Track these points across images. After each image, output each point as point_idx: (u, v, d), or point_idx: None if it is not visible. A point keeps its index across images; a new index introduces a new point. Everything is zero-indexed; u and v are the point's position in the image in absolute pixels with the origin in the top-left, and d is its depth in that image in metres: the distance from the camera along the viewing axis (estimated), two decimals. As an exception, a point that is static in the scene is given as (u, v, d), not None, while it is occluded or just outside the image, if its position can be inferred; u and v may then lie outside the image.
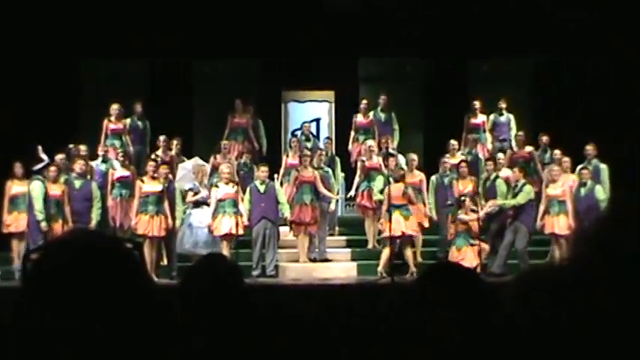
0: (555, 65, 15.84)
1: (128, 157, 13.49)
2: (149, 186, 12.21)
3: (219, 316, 2.66)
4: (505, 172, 13.39)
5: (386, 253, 12.34)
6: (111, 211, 12.70)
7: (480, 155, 14.36)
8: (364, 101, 15.31)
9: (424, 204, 13.02)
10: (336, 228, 14.10)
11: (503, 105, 15.17)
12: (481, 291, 1.92)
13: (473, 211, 12.39)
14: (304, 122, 15.49)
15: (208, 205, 12.49)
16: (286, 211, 12.63)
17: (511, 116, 15.19)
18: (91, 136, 14.18)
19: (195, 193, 12.71)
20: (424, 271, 2.63)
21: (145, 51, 15.46)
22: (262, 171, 12.77)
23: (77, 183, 12.49)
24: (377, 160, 13.67)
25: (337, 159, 14.35)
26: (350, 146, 15.10)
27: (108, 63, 15.94)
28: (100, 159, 13.62)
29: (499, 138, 15.09)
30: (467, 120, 15.07)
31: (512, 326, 1.27)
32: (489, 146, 14.95)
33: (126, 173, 12.96)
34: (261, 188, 12.59)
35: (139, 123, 14.81)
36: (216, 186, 12.56)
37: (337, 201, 14.02)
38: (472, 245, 12.17)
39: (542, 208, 12.67)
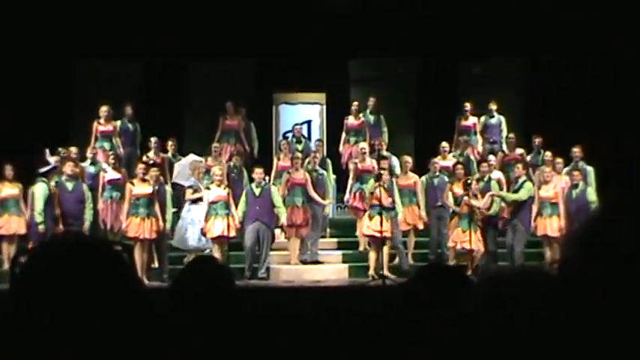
0: (555, 65, 15.85)
1: (119, 160, 13.46)
2: (139, 188, 12.18)
3: (211, 319, 2.66)
4: (496, 174, 13.42)
5: (373, 255, 12.37)
6: (101, 214, 12.66)
7: (471, 157, 14.38)
8: (355, 103, 15.32)
9: (418, 206, 13.02)
10: (328, 230, 14.10)
11: (493, 107, 15.21)
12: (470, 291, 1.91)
13: (475, 196, 12.50)
14: (295, 124, 15.49)
15: None
16: (282, 216, 12.60)
17: (502, 118, 15.23)
18: (83, 137, 14.15)
19: (195, 190, 12.70)
20: (416, 273, 2.63)
21: (137, 52, 15.42)
22: (257, 173, 12.75)
23: (69, 185, 12.45)
24: (369, 162, 13.67)
25: (328, 161, 14.35)
26: (341, 148, 15.11)
27: (100, 64, 15.91)
28: (88, 161, 13.57)
29: (490, 140, 15.12)
30: (458, 122, 15.10)
31: (508, 327, 1.27)
32: (480, 148, 14.97)
33: (117, 176, 12.93)
34: (257, 191, 12.56)
35: (130, 125, 14.78)
36: (208, 188, 12.55)
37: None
38: (475, 231, 12.25)
39: (534, 209, 12.69)
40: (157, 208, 12.12)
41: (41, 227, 11.87)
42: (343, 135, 15.16)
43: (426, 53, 16.06)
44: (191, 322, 2.64)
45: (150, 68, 16.40)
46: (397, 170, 13.62)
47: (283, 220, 12.61)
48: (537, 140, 14.42)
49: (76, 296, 1.35)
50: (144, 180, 12.23)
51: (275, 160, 14.21)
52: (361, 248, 13.34)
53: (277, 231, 13.08)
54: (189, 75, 16.83)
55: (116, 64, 15.97)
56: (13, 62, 14.46)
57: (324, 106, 16.43)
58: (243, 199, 12.54)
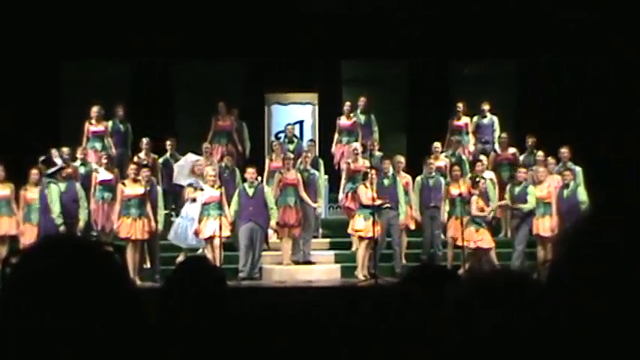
0: (555, 65, 15.87)
1: (111, 160, 13.44)
2: (131, 189, 12.16)
3: (202, 319, 2.65)
4: (488, 174, 13.45)
5: (362, 255, 12.43)
6: (93, 215, 12.63)
7: (463, 157, 14.40)
8: (347, 103, 15.32)
9: (410, 206, 13.03)
10: (320, 230, 14.10)
11: (486, 107, 15.23)
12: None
13: (484, 194, 12.64)
14: (287, 124, 15.48)
15: None
16: (274, 218, 12.60)
17: (495, 118, 15.25)
18: (72, 138, 14.11)
19: (195, 189, 12.71)
20: (407, 273, 2.63)
21: (128, 52, 15.40)
22: (250, 173, 12.74)
23: (62, 186, 12.41)
24: (362, 162, 13.67)
25: (321, 161, 14.35)
26: (333, 148, 15.11)
27: (89, 65, 15.88)
28: (79, 162, 13.54)
29: (482, 140, 15.15)
30: (450, 122, 15.11)
31: (508, 327, 1.27)
32: (472, 148, 14.99)
33: (109, 176, 12.91)
34: (250, 191, 12.56)
35: (121, 126, 14.76)
36: (201, 189, 12.55)
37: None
38: (488, 228, 12.43)
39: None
40: (148, 208, 12.10)
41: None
42: (335, 135, 15.17)
43: (420, 53, 16.04)
44: (183, 322, 2.64)
45: (139, 69, 16.36)
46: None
47: (273, 222, 12.61)
48: (530, 140, 14.45)
49: (67, 297, 1.34)
50: (136, 180, 12.22)
51: (267, 161, 14.20)
52: (354, 248, 13.35)
53: (270, 231, 13.08)
54: (181, 75, 16.80)
55: (106, 65, 15.95)
56: (1, 64, 14.41)
57: (317, 107, 16.43)
58: (235, 198, 12.53)
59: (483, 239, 12.39)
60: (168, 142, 14.24)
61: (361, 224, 12.47)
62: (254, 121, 15.91)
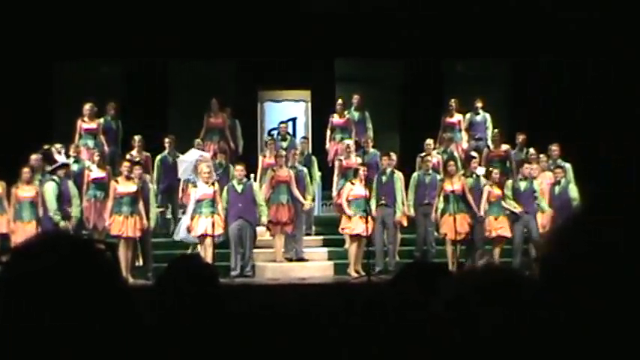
0: (555, 65, 15.89)
1: (103, 157, 13.41)
2: (123, 186, 12.15)
3: (195, 316, 2.65)
4: (480, 171, 13.46)
5: (353, 252, 12.47)
6: (85, 212, 12.60)
7: (455, 154, 14.41)
8: (339, 101, 15.32)
9: (402, 203, 13.04)
10: (313, 227, 14.10)
11: (479, 104, 15.25)
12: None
13: (497, 184, 12.76)
14: (281, 122, 15.48)
15: None
16: (264, 215, 12.61)
17: (487, 115, 15.27)
18: (65, 136, 14.08)
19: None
20: (401, 270, 2.63)
21: (120, 51, 15.36)
22: (238, 170, 12.75)
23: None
24: (355, 159, 13.68)
25: (314, 158, 14.35)
26: (327, 145, 15.11)
27: (81, 64, 15.85)
28: (72, 159, 13.50)
29: (475, 137, 15.16)
30: (443, 119, 15.13)
31: (508, 327, 1.27)
32: (465, 145, 15.01)
33: (101, 174, 12.88)
34: (239, 188, 12.57)
35: (112, 123, 14.74)
36: (195, 186, 12.55)
37: (314, 200, 14.06)
38: (505, 215, 12.51)
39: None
40: (140, 206, 12.09)
41: (62, 224, 11.79)
42: (328, 132, 15.16)
43: (419, 53, 16.04)
44: (175, 320, 2.63)
45: (133, 67, 16.33)
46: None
47: (264, 219, 12.61)
48: (521, 137, 14.49)
49: (59, 295, 1.34)
50: (129, 178, 12.20)
51: (260, 158, 14.21)
52: (347, 245, 13.37)
53: (262, 229, 13.08)
54: (174, 74, 16.78)
55: (99, 64, 15.93)
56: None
57: (309, 104, 16.43)
58: (224, 195, 12.53)
59: (503, 227, 12.47)
60: (166, 140, 14.21)
61: (348, 222, 12.48)
62: (247, 118, 15.90)
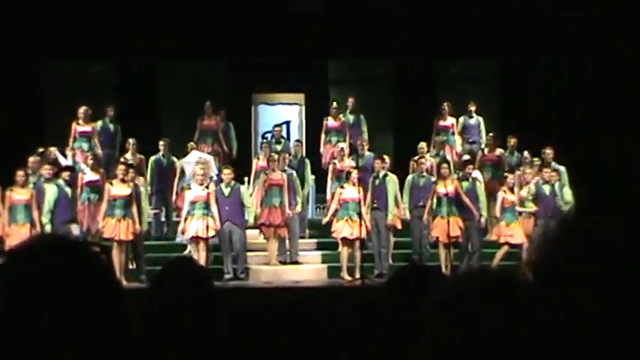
0: (555, 65, 15.92)
1: (97, 160, 13.39)
2: (118, 189, 12.13)
3: (189, 320, 2.65)
4: (475, 174, 13.47)
5: (346, 255, 12.49)
6: (78, 215, 12.58)
7: (448, 157, 14.42)
8: (334, 104, 15.32)
9: (397, 206, 13.04)
10: (307, 231, 14.10)
11: (472, 108, 15.26)
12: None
13: (511, 189, 12.75)
14: (275, 125, 15.47)
15: None
16: (251, 216, 12.62)
17: (480, 119, 15.29)
18: (56, 138, 14.06)
19: (188, 187, 12.72)
20: (395, 273, 2.64)
21: (112, 51, 15.34)
22: (225, 173, 12.76)
23: (47, 187, 12.34)
24: (348, 162, 13.69)
25: (307, 161, 14.35)
26: (322, 149, 15.11)
27: (71, 64, 15.83)
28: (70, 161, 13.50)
29: (469, 140, 15.18)
30: (436, 122, 15.13)
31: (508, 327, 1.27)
32: (458, 148, 15.02)
33: (95, 177, 12.86)
34: (226, 191, 12.57)
35: (111, 126, 14.72)
36: (189, 188, 12.56)
37: (308, 203, 14.07)
38: (518, 223, 12.56)
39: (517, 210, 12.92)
40: (134, 209, 12.07)
41: (48, 228, 11.82)
42: (322, 136, 15.17)
43: (417, 54, 16.02)
44: (169, 324, 2.63)
45: (124, 68, 16.30)
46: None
47: (251, 220, 12.62)
48: (512, 141, 14.51)
49: (55, 297, 1.34)
50: (123, 181, 12.19)
51: (255, 161, 14.21)
52: (340, 249, 13.36)
53: (256, 232, 13.08)
54: (167, 76, 16.76)
55: (89, 64, 15.91)
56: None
57: (303, 107, 16.44)
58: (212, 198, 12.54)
59: (514, 235, 12.45)
60: (161, 142, 14.20)
61: (336, 225, 12.51)
62: (241, 121, 15.90)
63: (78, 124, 14.19)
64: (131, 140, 14.03)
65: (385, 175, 13.01)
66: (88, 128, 14.24)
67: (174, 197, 13.81)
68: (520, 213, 12.78)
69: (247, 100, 16.45)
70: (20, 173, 12.22)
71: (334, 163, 13.96)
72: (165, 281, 2.79)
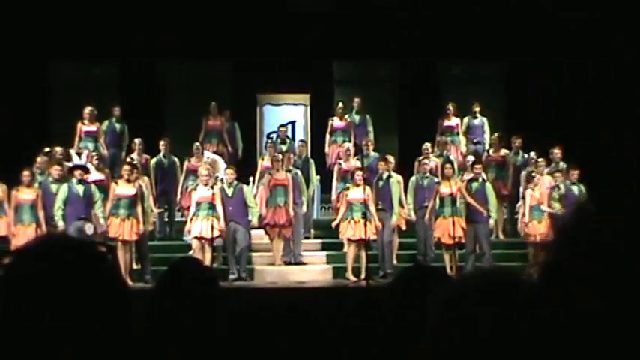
0: (555, 65, 15.90)
1: (102, 161, 13.41)
2: (123, 189, 12.15)
3: (194, 320, 2.65)
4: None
5: (352, 255, 12.50)
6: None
7: (451, 157, 14.40)
8: (340, 104, 15.32)
9: (402, 207, 13.02)
10: (312, 231, 14.09)
11: (477, 108, 15.25)
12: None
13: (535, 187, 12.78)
14: (280, 125, 15.47)
15: None
16: (254, 217, 12.62)
17: (485, 119, 15.28)
18: (61, 138, 14.08)
19: (194, 188, 12.73)
20: (399, 274, 2.64)
21: (117, 51, 15.35)
22: (228, 174, 12.77)
23: (53, 187, 12.35)
24: (354, 162, 13.68)
25: (312, 161, 14.35)
26: (327, 149, 15.10)
27: (77, 64, 15.86)
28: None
29: (473, 141, 15.16)
30: (440, 122, 15.12)
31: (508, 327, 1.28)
32: (463, 149, 15.01)
33: (100, 177, 12.89)
34: (229, 192, 12.57)
35: (117, 125, 14.74)
36: (194, 189, 12.57)
37: (312, 203, 14.06)
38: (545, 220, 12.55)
39: (522, 211, 12.87)
40: (138, 209, 12.09)
41: (60, 224, 11.83)
42: (327, 136, 15.16)
43: (418, 54, 16.02)
44: (174, 324, 2.64)
45: (129, 69, 16.32)
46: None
47: (255, 220, 12.62)
48: (517, 141, 14.49)
49: (61, 297, 1.35)
50: (129, 181, 12.21)
51: (259, 161, 14.21)
52: (345, 249, 13.35)
53: (261, 232, 13.08)
54: (172, 76, 16.77)
55: (95, 64, 15.92)
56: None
57: (308, 107, 16.43)
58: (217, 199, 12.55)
59: (547, 232, 12.43)
60: (162, 143, 14.22)
61: (343, 226, 12.54)
62: (246, 121, 15.90)
63: (83, 124, 14.21)
64: (137, 140, 14.04)
65: (389, 176, 12.99)
66: (93, 128, 14.26)
67: (178, 197, 13.81)
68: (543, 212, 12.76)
69: (252, 101, 16.46)
70: (26, 173, 12.23)
71: (340, 164, 13.95)
72: (171, 281, 2.80)
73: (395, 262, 12.83)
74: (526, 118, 15.50)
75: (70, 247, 1.43)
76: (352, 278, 12.38)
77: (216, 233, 12.22)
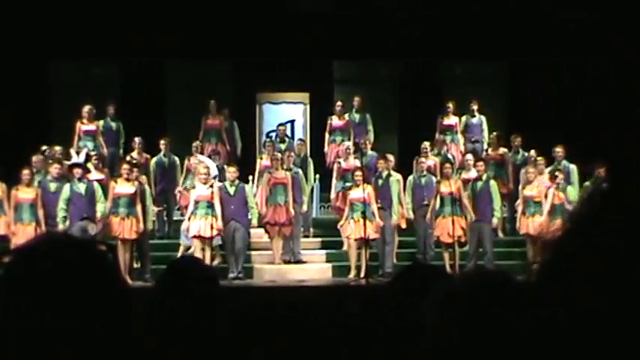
0: (555, 65, 15.90)
1: (102, 160, 13.42)
2: (122, 188, 12.15)
3: (195, 319, 2.65)
4: (474, 173, 13.42)
5: (354, 254, 12.50)
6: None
7: (449, 156, 14.41)
8: (339, 103, 15.32)
9: (402, 205, 13.02)
10: (311, 230, 14.10)
11: (474, 107, 15.26)
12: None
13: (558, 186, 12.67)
14: (279, 124, 15.47)
15: None
16: (254, 217, 12.62)
17: (483, 118, 15.28)
18: (61, 137, 14.09)
19: (193, 187, 12.74)
20: (399, 272, 2.64)
21: (117, 51, 15.36)
22: (230, 172, 12.76)
23: (52, 186, 12.36)
24: (353, 161, 13.68)
25: (310, 160, 14.35)
26: (326, 148, 15.10)
27: (78, 64, 15.86)
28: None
29: (471, 140, 15.17)
30: (439, 121, 15.13)
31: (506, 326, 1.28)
32: (462, 147, 15.01)
33: (100, 176, 12.89)
34: (231, 190, 12.56)
35: (112, 124, 14.75)
36: (193, 187, 12.57)
37: (312, 202, 14.06)
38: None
39: (519, 209, 12.84)
40: (138, 208, 12.09)
41: (61, 226, 11.84)
42: (327, 135, 15.17)
43: (419, 54, 16.02)
44: (174, 322, 2.64)
45: (129, 68, 16.33)
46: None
47: (255, 221, 12.62)
48: (517, 140, 14.50)
49: (61, 296, 1.35)
50: (128, 180, 12.21)
51: (258, 160, 14.21)
52: (345, 248, 13.36)
53: (261, 230, 13.08)
54: (172, 75, 16.77)
55: (95, 64, 15.93)
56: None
57: (308, 106, 16.43)
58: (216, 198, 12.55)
59: (543, 227, 12.42)
60: (162, 142, 14.23)
61: (346, 227, 12.53)
62: (245, 120, 15.92)
63: (82, 123, 14.22)
64: (137, 139, 14.05)
65: (389, 175, 13.00)
66: (92, 127, 14.27)
67: (177, 196, 13.81)
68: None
69: (252, 100, 16.47)
70: (26, 172, 12.25)
71: (339, 163, 13.96)
72: (170, 280, 2.80)
73: (394, 260, 12.83)
74: (526, 118, 15.51)
75: (70, 247, 1.43)
76: (352, 276, 12.36)
77: (214, 232, 12.22)
